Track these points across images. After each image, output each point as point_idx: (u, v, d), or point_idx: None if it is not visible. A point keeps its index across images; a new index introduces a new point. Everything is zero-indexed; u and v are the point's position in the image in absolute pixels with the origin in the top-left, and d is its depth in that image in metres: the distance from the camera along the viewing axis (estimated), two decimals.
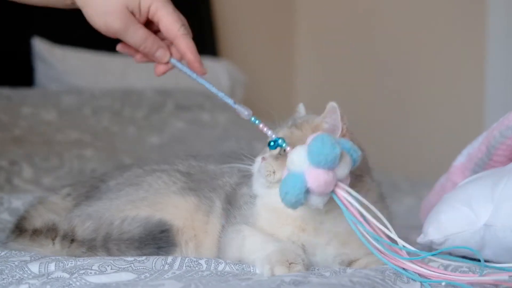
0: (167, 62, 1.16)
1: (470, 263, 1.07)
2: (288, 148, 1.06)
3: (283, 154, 1.08)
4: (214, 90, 1.15)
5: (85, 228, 1.17)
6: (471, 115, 3.28)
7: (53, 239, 1.17)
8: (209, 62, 3.12)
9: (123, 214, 1.19)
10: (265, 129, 1.10)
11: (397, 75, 3.50)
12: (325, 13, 3.77)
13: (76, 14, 3.07)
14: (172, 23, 1.13)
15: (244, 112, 1.13)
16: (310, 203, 1.00)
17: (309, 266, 1.09)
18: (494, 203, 1.14)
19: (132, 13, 1.12)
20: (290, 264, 1.04)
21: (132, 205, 1.20)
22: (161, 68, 1.17)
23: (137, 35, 1.12)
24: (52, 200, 1.31)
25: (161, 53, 1.14)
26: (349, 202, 0.98)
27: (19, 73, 2.69)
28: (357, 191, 1.00)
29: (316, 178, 0.97)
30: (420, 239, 1.21)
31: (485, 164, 1.34)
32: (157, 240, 1.14)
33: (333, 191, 0.99)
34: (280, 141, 1.07)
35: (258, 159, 1.12)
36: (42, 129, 2.33)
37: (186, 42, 1.14)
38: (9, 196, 1.52)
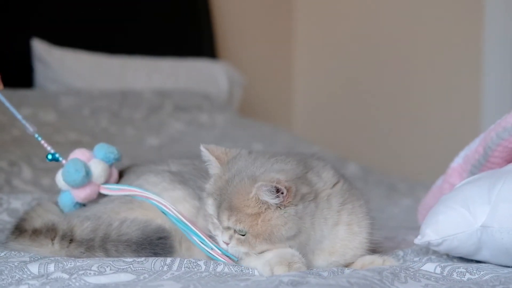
0: None
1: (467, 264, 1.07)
2: (64, 161, 1.29)
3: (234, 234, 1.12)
4: (8, 105, 1.36)
5: (84, 228, 1.18)
6: (468, 117, 3.29)
7: (52, 239, 1.18)
8: (208, 64, 3.13)
9: (119, 216, 1.20)
10: (45, 145, 1.33)
11: (395, 77, 3.51)
12: (323, 14, 3.77)
13: (75, 16, 3.08)
14: None
15: (30, 129, 1.35)
16: None
17: (308, 267, 1.10)
18: (491, 204, 1.15)
19: None
20: (289, 263, 1.06)
21: (126, 207, 1.22)
22: None
23: None
24: (51, 204, 1.33)
25: None
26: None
27: (18, 74, 2.69)
28: None
29: (77, 195, 1.24)
30: (418, 240, 1.21)
31: (482, 165, 1.35)
32: (154, 246, 1.15)
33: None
34: (57, 155, 1.31)
35: (218, 236, 1.12)
36: (41, 130, 2.32)
37: None
38: (8, 197, 1.53)
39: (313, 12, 3.79)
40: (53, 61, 2.67)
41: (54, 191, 1.90)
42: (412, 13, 3.47)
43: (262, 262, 1.10)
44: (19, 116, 1.34)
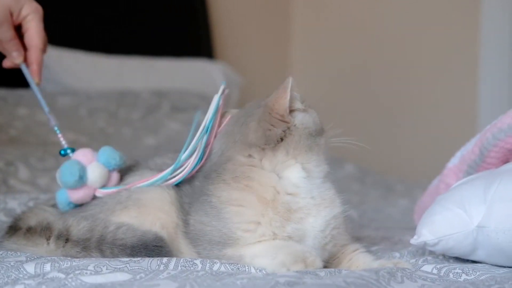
0: (17, 64, 1.38)
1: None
2: (71, 155, 1.30)
3: None
4: (39, 97, 1.37)
5: (80, 228, 1.18)
6: (464, 117, 3.30)
7: (47, 239, 1.18)
8: (205, 64, 3.13)
9: (114, 215, 1.20)
10: (61, 139, 1.35)
11: (392, 79, 3.51)
12: (320, 15, 3.78)
13: (72, 16, 3.08)
14: (37, 36, 1.36)
15: (52, 122, 1.38)
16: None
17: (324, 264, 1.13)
18: (487, 204, 1.15)
19: (11, 15, 1.33)
20: (304, 260, 1.09)
21: (120, 205, 1.22)
22: (9, 64, 1.38)
23: (8, 33, 1.33)
24: (47, 205, 1.34)
25: (17, 55, 1.36)
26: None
27: (15, 73, 2.68)
28: None
29: (70, 196, 1.25)
30: (414, 240, 1.22)
31: (478, 166, 1.35)
32: (149, 251, 1.15)
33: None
34: (69, 150, 1.32)
35: None
36: (37, 130, 2.33)
37: (37, 55, 1.36)
38: (4, 197, 1.52)
39: (311, 13, 3.80)
40: (50, 61, 2.67)
41: (51, 191, 1.91)
42: (409, 15, 3.47)
43: (276, 263, 1.10)
44: (46, 109, 1.37)
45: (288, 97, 1.19)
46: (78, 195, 1.24)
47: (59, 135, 1.34)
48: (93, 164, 1.25)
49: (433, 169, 1.83)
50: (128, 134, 2.57)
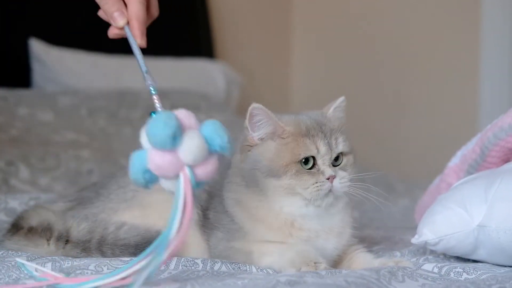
0: (121, 28, 1.15)
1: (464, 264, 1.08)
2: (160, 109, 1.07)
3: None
4: (139, 57, 1.15)
5: (80, 230, 1.18)
6: (465, 117, 3.30)
7: (48, 240, 1.18)
8: (205, 64, 3.13)
9: (118, 216, 1.20)
10: (156, 101, 1.10)
11: (392, 77, 3.51)
12: (320, 15, 3.78)
13: (73, 15, 3.08)
14: (137, 8, 1.13)
15: (148, 81, 1.14)
16: (162, 186, 0.95)
17: (332, 266, 1.14)
18: (488, 204, 1.15)
19: None
20: (315, 264, 1.09)
21: (124, 205, 1.21)
22: (115, 31, 1.16)
23: None
24: (49, 205, 1.33)
25: (118, 15, 1.13)
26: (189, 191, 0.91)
27: (16, 74, 2.69)
28: None
29: (151, 159, 0.93)
30: (415, 239, 1.22)
31: (479, 165, 1.35)
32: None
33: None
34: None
35: (326, 172, 1.13)
36: (38, 130, 2.33)
37: (137, 9, 1.13)
38: (5, 197, 1.52)
39: (311, 13, 3.80)
40: (50, 60, 2.67)
41: (52, 191, 1.91)
42: (409, 16, 3.47)
43: (285, 260, 1.11)
44: (144, 68, 1.14)
45: (248, 126, 1.16)
46: (162, 160, 0.92)
47: (154, 97, 1.10)
48: (193, 130, 0.95)
49: (434, 169, 1.83)
50: (128, 134, 2.57)
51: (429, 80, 3.40)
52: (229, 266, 1.10)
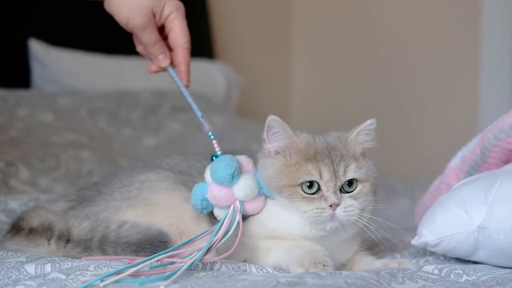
0: (164, 67, 1.31)
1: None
2: (220, 153, 1.23)
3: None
4: (190, 101, 1.33)
5: (81, 229, 1.17)
6: (465, 117, 3.30)
7: (48, 239, 1.17)
8: (205, 64, 3.12)
9: (120, 215, 1.20)
10: (215, 146, 1.25)
11: (393, 78, 3.51)
12: (321, 16, 3.78)
13: (73, 16, 3.07)
14: (182, 34, 1.30)
15: (206, 127, 1.29)
16: (215, 213, 1.17)
17: (337, 268, 1.14)
18: (488, 205, 1.15)
19: (153, 16, 1.25)
20: (323, 266, 1.08)
21: (127, 203, 1.21)
22: (156, 68, 1.31)
23: (152, 36, 1.26)
24: (48, 205, 1.32)
25: (163, 58, 1.29)
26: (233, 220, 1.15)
27: (15, 74, 2.69)
28: None
29: (210, 190, 1.16)
30: (415, 241, 1.22)
31: (479, 166, 1.35)
32: (155, 247, 1.14)
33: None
34: (220, 154, 1.23)
35: (329, 199, 1.11)
36: (38, 131, 2.33)
37: (185, 55, 1.31)
38: (5, 197, 1.52)
39: (311, 13, 3.80)
40: (50, 61, 2.67)
41: (52, 191, 1.91)
42: (410, 15, 3.47)
43: (292, 258, 1.10)
44: (199, 113, 1.30)
45: (265, 137, 1.16)
46: (217, 192, 1.15)
47: (214, 142, 1.25)
48: (249, 174, 1.17)
49: (434, 170, 1.83)
50: (128, 134, 2.57)
51: (429, 80, 3.40)
52: (229, 267, 1.10)
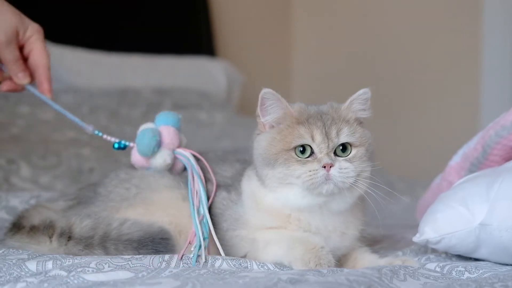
0: (23, 85, 1.34)
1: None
2: (131, 144, 1.27)
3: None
4: (60, 109, 1.38)
5: (83, 226, 1.17)
6: (467, 115, 3.29)
7: (50, 237, 1.18)
8: (206, 62, 3.12)
9: (120, 215, 1.20)
10: (108, 138, 1.29)
11: (393, 76, 3.51)
12: (321, 13, 3.77)
13: (74, 14, 3.07)
14: (44, 54, 1.35)
15: (89, 128, 1.32)
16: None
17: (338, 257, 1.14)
18: (490, 202, 1.15)
19: (17, 35, 1.31)
20: (328, 267, 1.08)
21: (127, 203, 1.21)
22: (10, 86, 1.34)
23: (15, 53, 1.31)
24: (48, 204, 1.33)
25: (23, 76, 1.33)
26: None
27: None
28: None
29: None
30: (416, 238, 1.21)
31: (480, 163, 1.35)
32: (156, 244, 1.15)
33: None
34: (122, 142, 1.28)
35: (322, 160, 1.11)
36: (39, 128, 2.33)
37: (47, 73, 1.35)
38: (6, 195, 1.52)
39: (312, 11, 3.79)
40: (51, 58, 2.66)
41: (53, 189, 1.91)
42: (410, 15, 3.47)
43: (296, 258, 1.10)
44: (75, 119, 1.35)
45: (259, 112, 1.17)
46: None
47: (104, 136, 1.31)
48: (161, 127, 1.28)
49: (435, 167, 1.83)
50: (129, 132, 2.57)
51: (430, 78, 3.40)
52: (230, 263, 1.10)
